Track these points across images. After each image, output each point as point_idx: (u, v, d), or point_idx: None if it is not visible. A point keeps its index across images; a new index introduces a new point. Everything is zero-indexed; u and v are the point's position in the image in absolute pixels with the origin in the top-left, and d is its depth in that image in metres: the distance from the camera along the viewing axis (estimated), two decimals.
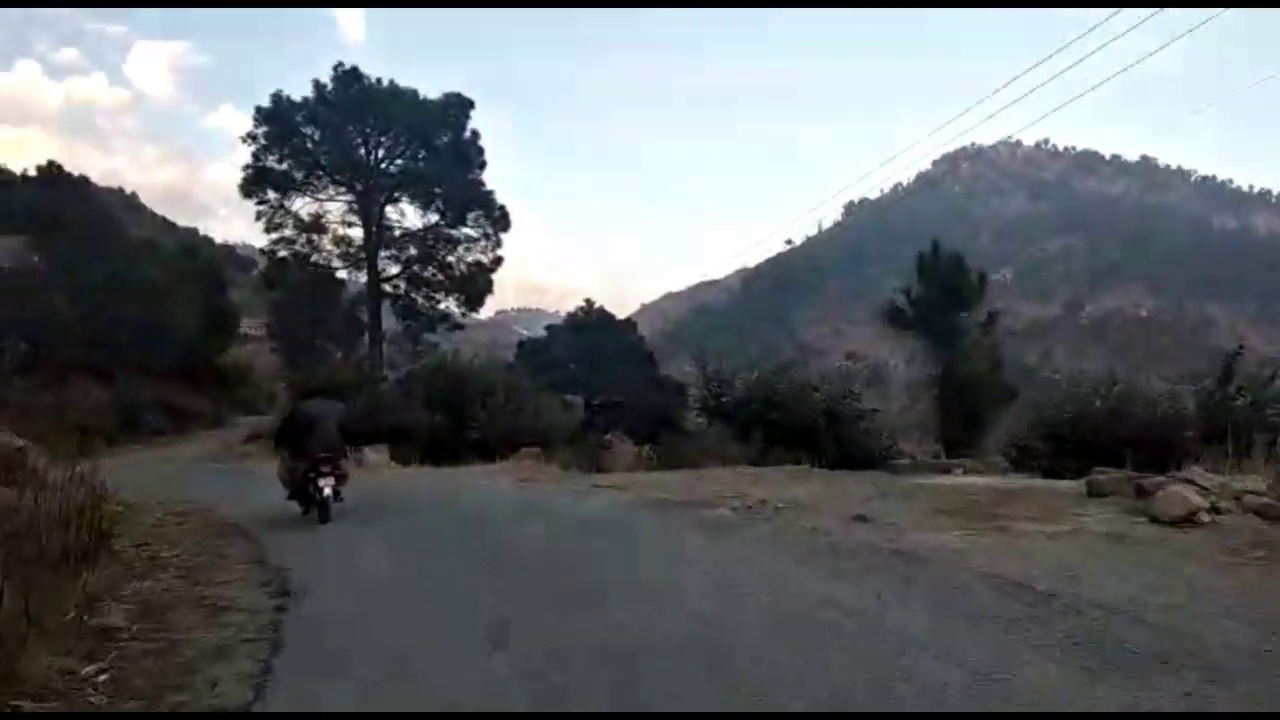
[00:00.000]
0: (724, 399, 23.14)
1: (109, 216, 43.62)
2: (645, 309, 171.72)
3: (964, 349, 27.18)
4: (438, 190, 36.02)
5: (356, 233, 36.46)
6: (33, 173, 41.01)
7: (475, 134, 36.92)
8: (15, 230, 37.63)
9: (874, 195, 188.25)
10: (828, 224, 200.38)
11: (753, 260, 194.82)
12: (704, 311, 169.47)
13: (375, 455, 21.37)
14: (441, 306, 37.28)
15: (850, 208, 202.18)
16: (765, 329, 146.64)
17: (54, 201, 38.60)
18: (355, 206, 36.14)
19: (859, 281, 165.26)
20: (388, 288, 36.78)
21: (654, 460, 22.94)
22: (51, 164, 40.24)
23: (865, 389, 24.96)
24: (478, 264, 37.18)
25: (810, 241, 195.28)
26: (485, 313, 39.65)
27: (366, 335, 35.58)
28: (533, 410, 29.28)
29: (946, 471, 14.71)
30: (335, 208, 36.28)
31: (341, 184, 35.85)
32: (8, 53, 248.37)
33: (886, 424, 26.54)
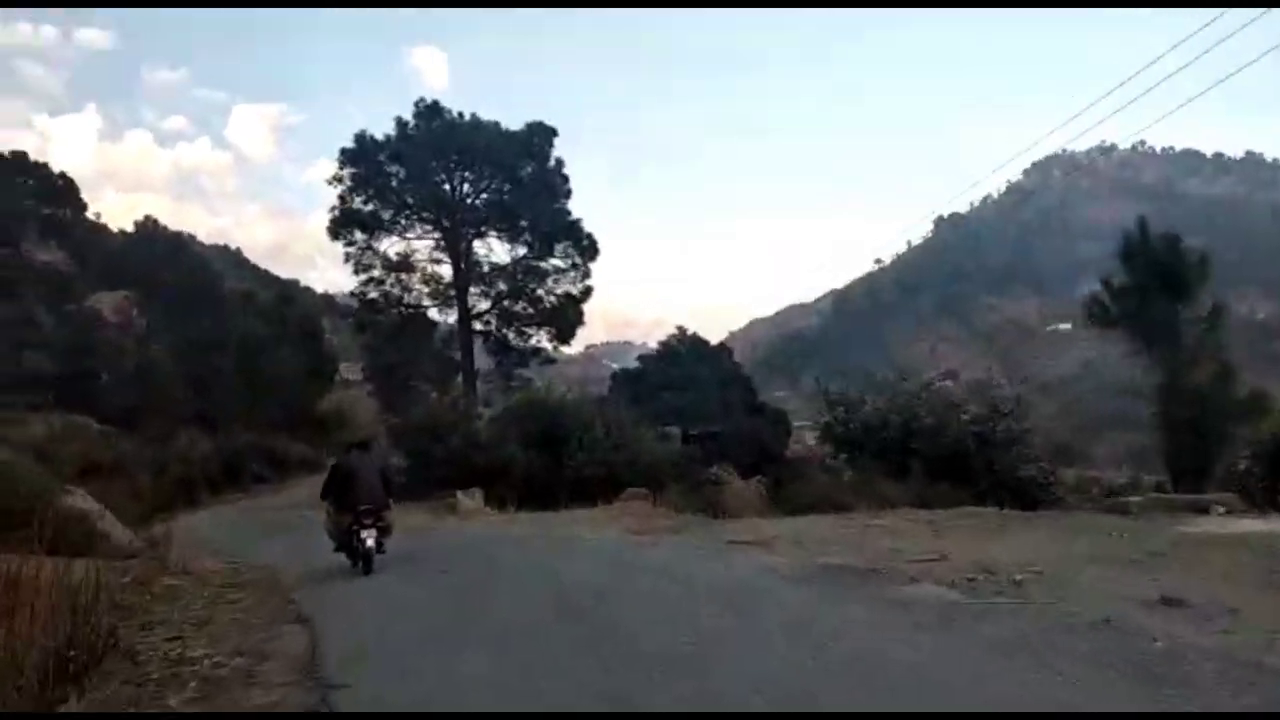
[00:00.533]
0: (852, 425, 20.37)
1: (207, 268, 44.38)
2: (734, 336, 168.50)
3: (1183, 351, 21.64)
4: (524, 222, 34.76)
5: (445, 270, 35.64)
6: (130, 229, 41.86)
7: (559, 162, 35.70)
8: (114, 286, 38.34)
9: (963, 209, 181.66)
10: (916, 240, 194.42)
11: (841, 282, 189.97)
12: (795, 337, 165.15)
13: (469, 501, 19.51)
14: (533, 341, 35.85)
15: (939, 223, 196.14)
16: (860, 350, 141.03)
17: (152, 256, 39.31)
18: (442, 243, 35.24)
19: (952, 298, 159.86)
20: (478, 324, 35.58)
21: (771, 498, 20.43)
22: (148, 218, 40.95)
23: (1015, 407, 20.78)
24: (567, 295, 35.45)
25: (900, 259, 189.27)
26: (575, 347, 38.28)
27: (460, 373, 34.42)
28: (632, 444, 27.16)
29: (1203, 512, 11.14)
30: (423, 246, 35.63)
31: (428, 221, 35.03)
32: (121, 124, 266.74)
33: (1035, 448, 22.80)
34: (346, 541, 9.50)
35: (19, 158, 38.97)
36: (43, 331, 37.64)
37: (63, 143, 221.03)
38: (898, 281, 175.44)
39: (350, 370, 78.09)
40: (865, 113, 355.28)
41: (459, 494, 23.19)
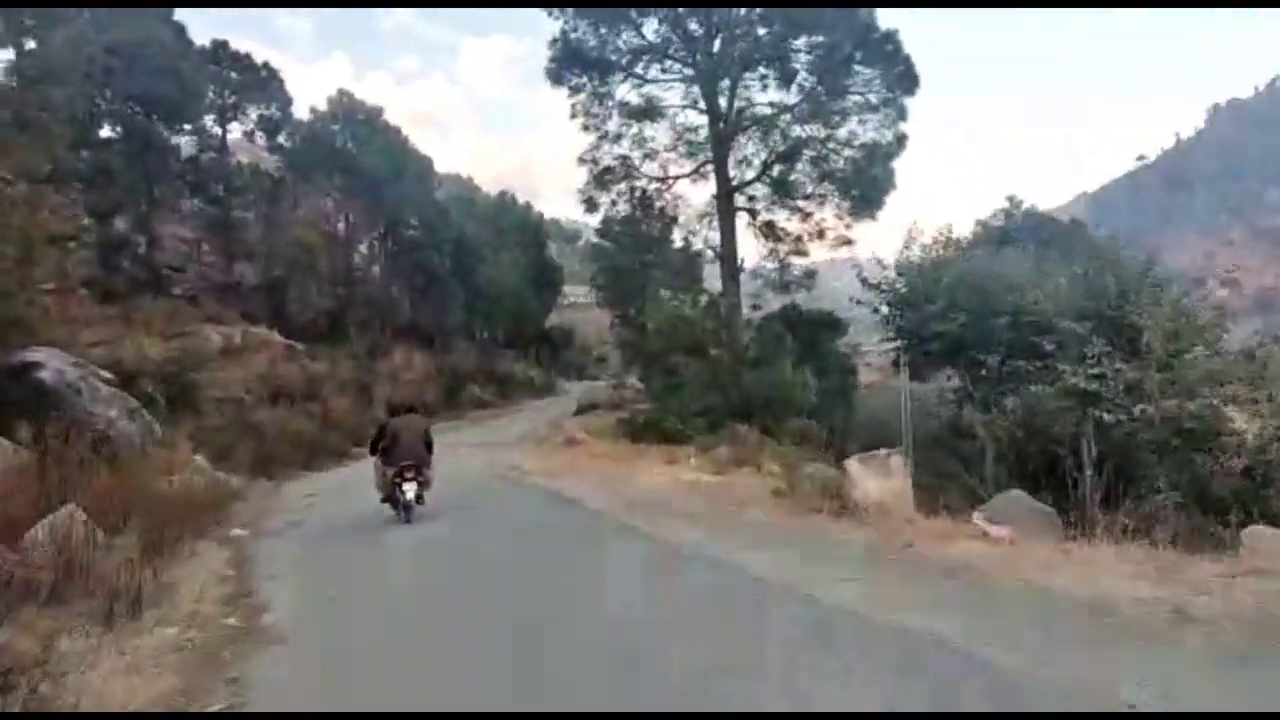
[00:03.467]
0: None
1: (423, 165, 37.82)
2: None
3: None
4: (806, 48, 23.82)
5: (699, 121, 25.54)
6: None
7: None
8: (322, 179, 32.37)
9: (1245, 94, 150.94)
10: (1187, 133, 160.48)
11: (1095, 184, 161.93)
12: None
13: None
14: (817, 219, 25.25)
15: (1215, 111, 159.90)
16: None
17: (362, 147, 32.98)
18: (695, 90, 25.22)
19: (1232, 195, 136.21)
20: (742, 199, 25.55)
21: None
22: (342, 92, 34.34)
23: None
24: (872, 147, 24.43)
25: (1167, 154, 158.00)
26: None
27: (721, 265, 24.86)
28: None
29: None
30: (672, 97, 25.75)
31: (675, 58, 25.10)
32: (361, 66, 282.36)
33: None
34: (391, 493, 10.17)
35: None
36: (249, 241, 32.40)
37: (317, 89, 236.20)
38: (1167, 179, 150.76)
39: (577, 294, 72.08)
40: None
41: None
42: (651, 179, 26.51)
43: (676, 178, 26.34)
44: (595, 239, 40.95)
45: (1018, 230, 32.00)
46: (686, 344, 23.67)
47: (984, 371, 14.23)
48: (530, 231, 49.49)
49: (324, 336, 29.55)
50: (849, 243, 25.15)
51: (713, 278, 28.98)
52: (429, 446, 10.64)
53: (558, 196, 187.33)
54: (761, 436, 17.70)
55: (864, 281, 16.01)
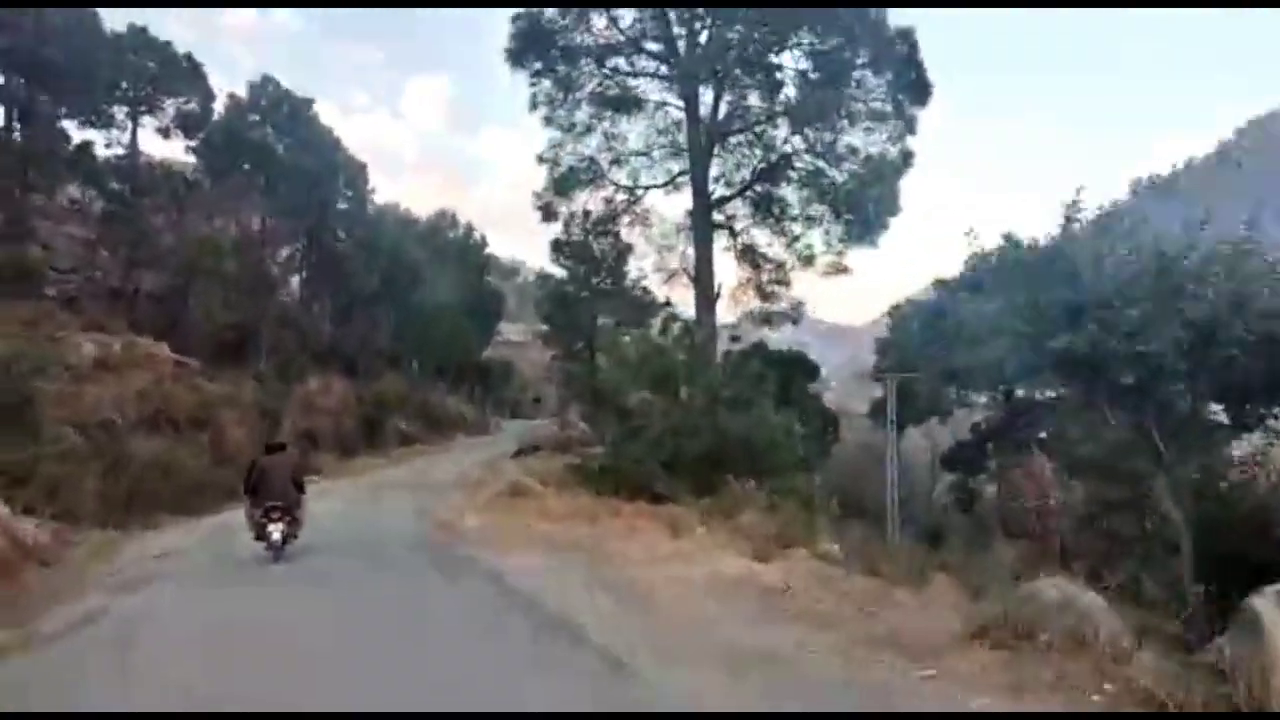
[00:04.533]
0: None
1: (352, 169, 34.09)
2: None
3: None
4: (805, 49, 21.31)
5: (678, 115, 22.45)
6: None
7: None
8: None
9: None
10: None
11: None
12: None
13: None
14: (804, 242, 22.48)
15: None
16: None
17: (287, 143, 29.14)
18: (673, 89, 22.34)
19: None
20: (720, 217, 22.67)
21: None
22: (266, 78, 30.55)
23: None
24: (875, 162, 22.47)
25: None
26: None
27: (694, 292, 21.82)
28: None
29: None
30: (650, 90, 22.75)
31: (654, 55, 22.26)
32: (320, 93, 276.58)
33: None
34: (259, 533, 9.96)
35: None
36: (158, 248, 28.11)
37: None
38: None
39: (513, 331, 68.28)
40: None
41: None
42: (619, 187, 23.49)
43: (648, 187, 23.40)
44: (539, 271, 37.86)
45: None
46: (655, 378, 20.60)
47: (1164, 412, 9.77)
48: (470, 255, 45.95)
49: (228, 355, 25.47)
50: (843, 271, 22.53)
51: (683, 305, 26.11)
52: (300, 486, 10.55)
53: (495, 236, 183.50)
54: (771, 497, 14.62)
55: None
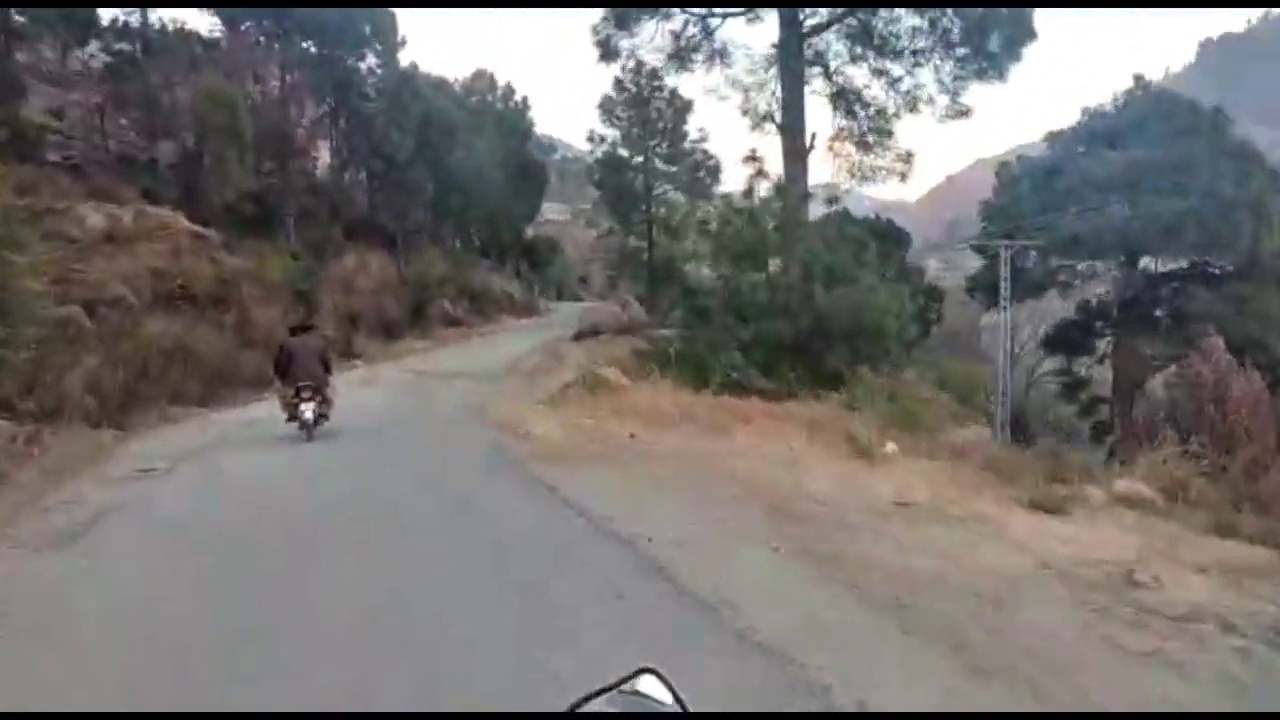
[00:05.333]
0: None
1: (381, 20, 30.27)
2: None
3: None
4: None
5: None
6: None
7: None
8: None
9: None
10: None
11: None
12: None
13: None
14: (911, 82, 18.66)
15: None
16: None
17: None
18: None
19: None
20: (811, 48, 18.94)
21: None
22: None
23: None
24: None
25: None
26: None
27: (781, 143, 18.48)
28: None
29: None
30: None
31: None
32: None
33: None
34: (292, 413, 9.95)
35: None
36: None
37: None
38: None
39: (553, 211, 64.65)
40: None
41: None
42: (692, 15, 19.55)
43: (726, 13, 19.42)
44: (589, 135, 34.08)
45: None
46: (742, 249, 17.66)
47: None
48: (511, 118, 42.16)
49: (250, 227, 22.92)
50: (962, 114, 18.71)
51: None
52: (326, 366, 10.54)
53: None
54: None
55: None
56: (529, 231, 50.20)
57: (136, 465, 7.72)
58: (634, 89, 27.36)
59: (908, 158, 19.79)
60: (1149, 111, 23.98)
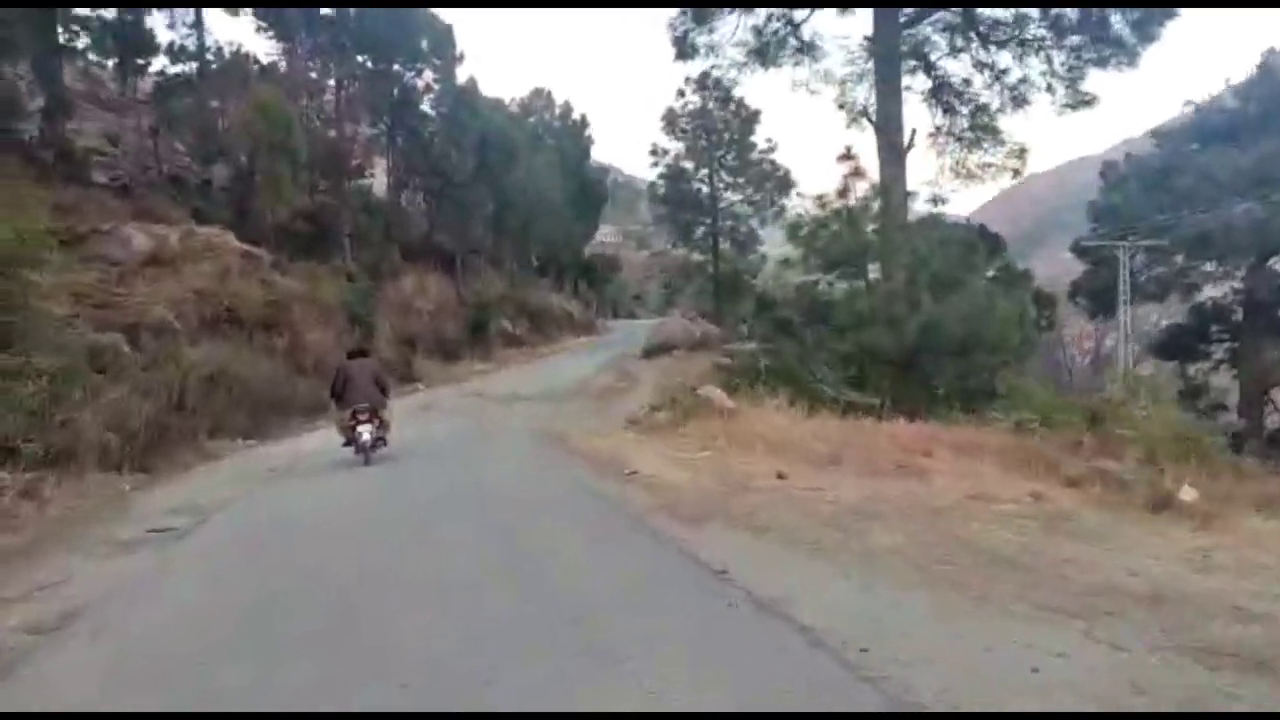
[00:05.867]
0: None
1: (438, 33, 29.28)
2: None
3: None
4: None
5: None
6: None
7: None
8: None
9: None
10: None
11: None
12: None
13: None
14: (1016, 75, 16.60)
15: None
16: None
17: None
18: None
19: None
20: (908, 41, 17.09)
21: None
22: None
23: None
24: None
25: None
26: None
27: (876, 142, 16.54)
28: None
29: None
30: None
31: None
32: None
33: None
34: (350, 437, 9.97)
35: None
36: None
37: None
38: None
39: (605, 233, 63.47)
40: None
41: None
42: (776, 7, 17.71)
43: (815, 5, 17.58)
44: (652, 148, 32.54)
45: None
46: (839, 255, 15.76)
47: None
48: (571, 134, 40.91)
49: (305, 247, 21.81)
50: (1086, 103, 16.44)
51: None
52: (384, 390, 10.57)
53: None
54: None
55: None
56: (586, 251, 48.96)
57: (149, 524, 6.16)
58: (699, 100, 25.74)
59: (1021, 153, 17.65)
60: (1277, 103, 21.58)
